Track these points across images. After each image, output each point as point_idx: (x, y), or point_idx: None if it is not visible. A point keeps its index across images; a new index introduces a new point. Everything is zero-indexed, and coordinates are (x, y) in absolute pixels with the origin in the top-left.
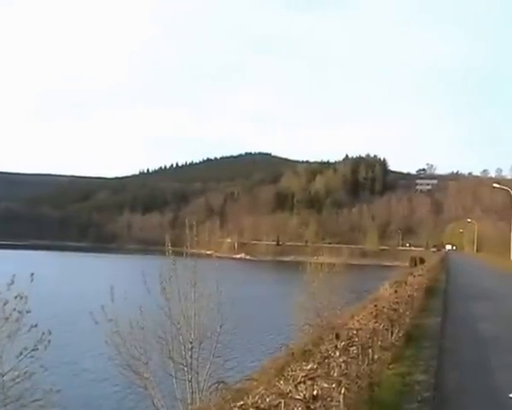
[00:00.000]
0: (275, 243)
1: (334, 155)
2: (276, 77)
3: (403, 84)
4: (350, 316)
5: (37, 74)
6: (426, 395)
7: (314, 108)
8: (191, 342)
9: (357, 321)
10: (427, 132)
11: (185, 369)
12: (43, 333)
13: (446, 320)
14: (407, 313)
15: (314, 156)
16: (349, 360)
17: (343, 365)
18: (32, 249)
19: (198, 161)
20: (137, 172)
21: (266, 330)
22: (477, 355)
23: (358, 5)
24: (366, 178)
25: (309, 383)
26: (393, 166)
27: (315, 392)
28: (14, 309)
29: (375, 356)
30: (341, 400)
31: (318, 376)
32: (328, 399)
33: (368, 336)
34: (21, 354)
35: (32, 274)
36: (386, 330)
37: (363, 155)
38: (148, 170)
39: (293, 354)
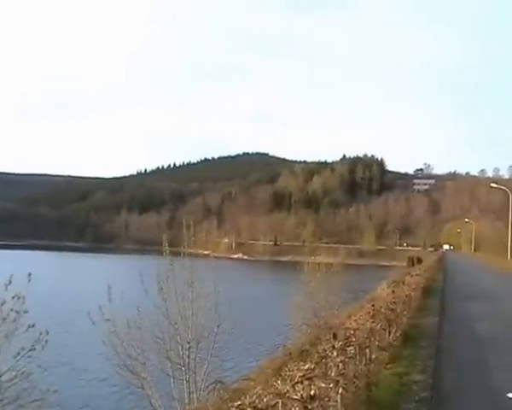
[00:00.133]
0: (272, 243)
1: (332, 155)
2: (273, 77)
3: (400, 84)
4: (347, 316)
5: (35, 74)
6: (423, 394)
7: (312, 108)
8: (189, 342)
9: (355, 321)
10: (424, 132)
11: (183, 369)
12: (41, 333)
13: (444, 320)
14: (404, 312)
15: (311, 156)
16: (346, 359)
17: (340, 365)
18: (30, 249)
19: (195, 161)
20: (135, 172)
21: (264, 330)
22: (475, 355)
23: (357, 5)
24: (363, 178)
25: (306, 383)
26: (391, 166)
27: (312, 392)
28: (12, 309)
29: (373, 356)
30: (339, 400)
31: (316, 376)
32: (326, 399)
33: (365, 335)
34: (19, 354)
35: (30, 274)
36: (384, 329)
37: (361, 154)
38: (145, 170)
39: (290, 353)
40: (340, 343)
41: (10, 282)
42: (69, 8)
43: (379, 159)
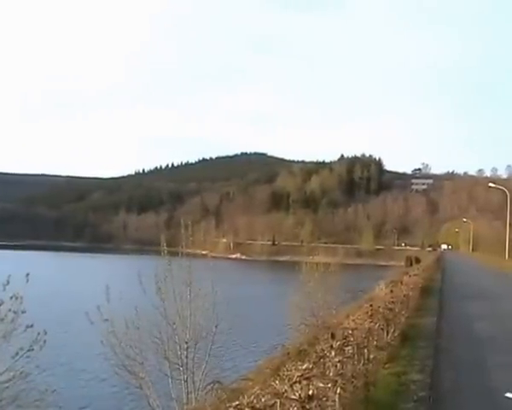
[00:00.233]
0: (270, 242)
1: (330, 155)
2: (272, 78)
3: (398, 84)
4: (345, 316)
5: (34, 74)
6: (421, 394)
7: (310, 108)
8: (187, 342)
9: (353, 321)
10: (422, 132)
11: (181, 369)
12: (39, 333)
13: (442, 320)
14: (403, 312)
15: (309, 156)
16: (344, 359)
17: (338, 364)
18: (28, 250)
19: (193, 161)
20: (133, 173)
21: (262, 330)
22: (473, 355)
23: (356, 5)
24: (362, 178)
25: (304, 382)
26: (389, 165)
27: (310, 392)
28: (10, 310)
29: (371, 356)
30: (337, 399)
31: (314, 376)
32: (324, 399)
33: (363, 335)
34: (17, 354)
35: (28, 274)
36: (382, 329)
37: (359, 154)
38: (143, 170)
39: (288, 353)
40: (338, 343)
41: (8, 282)
42: (69, 9)
43: (377, 159)
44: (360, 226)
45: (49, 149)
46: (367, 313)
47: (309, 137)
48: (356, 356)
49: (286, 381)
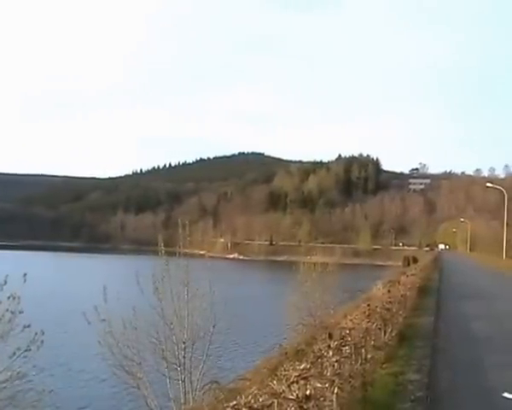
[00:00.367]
0: (268, 242)
1: (327, 155)
2: (269, 78)
3: (396, 84)
4: (343, 315)
5: (31, 74)
6: (419, 394)
7: (307, 108)
8: (184, 342)
9: (350, 320)
10: (419, 132)
11: (178, 369)
12: (36, 333)
13: (439, 320)
14: (400, 312)
15: (307, 156)
16: (342, 359)
17: (336, 364)
18: (25, 250)
19: (191, 161)
20: (130, 173)
21: (260, 330)
22: (470, 355)
23: (354, 5)
24: (359, 178)
25: (302, 382)
26: (386, 165)
27: (308, 392)
28: (7, 310)
29: (368, 356)
30: (334, 399)
31: (311, 375)
32: (321, 398)
33: (361, 335)
34: (14, 354)
35: (25, 275)
36: (379, 329)
37: (356, 154)
38: (141, 170)
39: (286, 353)
40: (336, 343)
41: (6, 282)
42: (69, 9)
43: (374, 158)
44: (357, 226)
45: (46, 149)
46: (364, 312)
47: (306, 137)
48: (353, 356)
49: (283, 381)
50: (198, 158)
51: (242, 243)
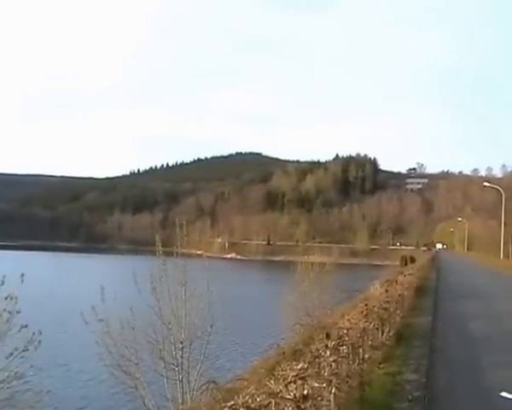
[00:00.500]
0: (265, 242)
1: (325, 155)
2: (267, 77)
3: (393, 84)
4: (340, 315)
5: (28, 74)
6: (416, 394)
7: (305, 108)
8: (182, 342)
9: (348, 320)
10: (417, 132)
11: (176, 369)
12: (34, 333)
13: (437, 319)
14: (397, 312)
15: (304, 156)
16: (339, 359)
17: (333, 364)
18: (24, 250)
19: (188, 161)
20: (128, 173)
21: (257, 330)
22: (467, 354)
23: (352, 6)
24: (356, 178)
25: (299, 382)
26: (384, 165)
27: (305, 392)
28: (5, 310)
29: (366, 355)
30: (332, 399)
31: (309, 375)
32: (319, 398)
33: (358, 335)
34: (12, 354)
35: (23, 275)
36: (377, 329)
37: (354, 154)
38: (138, 170)
39: (283, 353)
40: (333, 343)
41: (3, 282)
42: (68, 8)
43: (372, 158)
44: (355, 226)
45: (44, 150)
46: (362, 312)
47: (304, 137)
48: (351, 356)
49: (281, 381)
50: (195, 158)
51: (240, 243)
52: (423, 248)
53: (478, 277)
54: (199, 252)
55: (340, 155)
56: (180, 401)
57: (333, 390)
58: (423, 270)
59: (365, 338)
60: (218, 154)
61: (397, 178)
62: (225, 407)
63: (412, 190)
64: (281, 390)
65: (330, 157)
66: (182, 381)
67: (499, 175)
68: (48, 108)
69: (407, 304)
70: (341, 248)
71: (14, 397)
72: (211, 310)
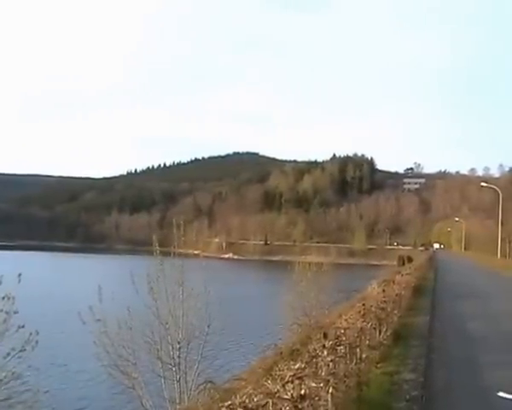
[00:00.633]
0: (263, 242)
1: (322, 155)
2: (263, 77)
3: (390, 83)
4: (338, 315)
5: (26, 74)
6: (414, 393)
7: (302, 107)
8: (179, 342)
9: (345, 320)
10: (414, 132)
11: (173, 369)
12: (31, 334)
13: (434, 319)
14: (395, 311)
15: (302, 156)
16: (337, 359)
17: (331, 364)
18: (21, 250)
19: (186, 161)
20: (125, 173)
21: (255, 330)
22: (465, 354)
23: (350, 6)
24: (354, 178)
25: (297, 382)
26: (381, 165)
27: (303, 391)
28: (2, 310)
29: (363, 355)
30: (329, 399)
31: (306, 375)
32: (316, 398)
33: (356, 335)
34: (9, 354)
35: (20, 275)
36: (374, 329)
37: (351, 154)
38: (135, 170)
39: (281, 353)
40: (331, 343)
41: (0, 282)
42: (69, 9)
43: (369, 158)
44: (352, 226)
45: (41, 150)
46: (359, 312)
47: (301, 137)
48: (348, 356)
49: (278, 381)
50: (193, 158)
51: (237, 243)
52: (421, 248)
53: (475, 276)
54: (196, 252)
55: (338, 155)
56: (177, 400)
57: (330, 390)
58: (421, 270)
59: (363, 338)
60: (216, 154)
61: (394, 178)
62: (223, 406)
63: (409, 189)
64: (278, 390)
65: (327, 157)
66: (179, 381)
67: (496, 175)
68: (47, 108)
69: (404, 304)
70: (339, 248)
71: (11, 397)
72: (208, 310)
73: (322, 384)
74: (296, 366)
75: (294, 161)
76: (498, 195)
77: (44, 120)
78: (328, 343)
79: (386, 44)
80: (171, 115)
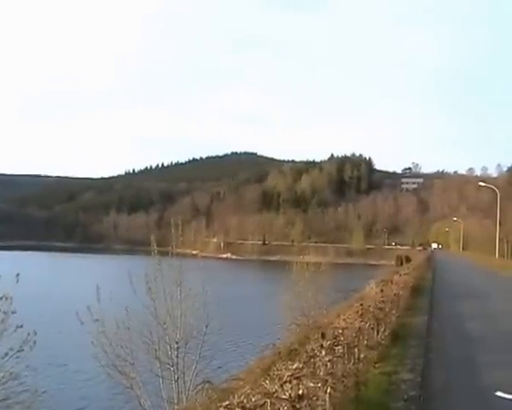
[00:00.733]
0: (261, 242)
1: (320, 155)
2: (261, 77)
3: (388, 83)
4: (336, 315)
5: (24, 74)
6: (412, 393)
7: (300, 107)
8: (177, 342)
9: (343, 320)
10: (412, 131)
11: (171, 369)
12: (29, 334)
13: (432, 319)
14: (393, 311)
15: (300, 156)
16: (335, 359)
17: (329, 364)
18: (20, 250)
19: (184, 161)
20: (123, 173)
21: (253, 330)
22: (463, 354)
23: (348, 6)
24: (352, 178)
25: (295, 382)
26: (379, 165)
27: (300, 391)
28: (0, 310)
29: (361, 355)
30: (327, 399)
31: (304, 375)
32: (314, 398)
33: (354, 335)
34: (7, 354)
35: (18, 275)
36: (372, 329)
37: (349, 154)
38: (133, 170)
39: (279, 353)
40: (329, 343)
41: None
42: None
43: (367, 158)
44: (350, 226)
45: (39, 150)
46: (357, 312)
47: (299, 137)
48: (346, 355)
49: (276, 381)
50: (191, 158)
51: (235, 243)
52: (419, 248)
53: (473, 276)
54: (194, 252)
55: (336, 155)
56: (175, 400)
57: (328, 390)
58: (419, 269)
59: (361, 338)
60: (214, 154)
61: (392, 178)
62: (220, 406)
63: (407, 189)
64: (276, 390)
65: (325, 157)
66: (177, 381)
67: (494, 175)
68: (47, 108)
69: (403, 304)
70: (337, 248)
71: (9, 398)
72: (206, 310)
73: (320, 384)
74: (294, 366)
75: (292, 161)
76: (496, 194)
77: (44, 120)
78: (326, 343)
79: (384, 44)
80: (170, 115)
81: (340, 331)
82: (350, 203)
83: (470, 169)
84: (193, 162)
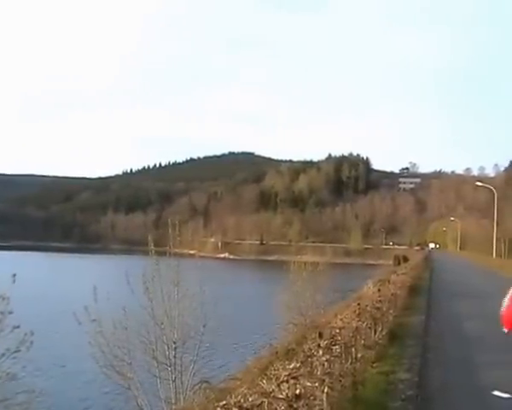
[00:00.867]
0: (258, 242)
1: (318, 155)
2: (258, 77)
3: (386, 83)
4: (333, 315)
5: (22, 74)
6: (409, 393)
7: (297, 107)
8: (175, 342)
9: (341, 320)
10: (410, 131)
11: (169, 369)
12: (26, 334)
13: (430, 318)
14: (390, 311)
15: (297, 155)
16: (332, 358)
17: (326, 363)
18: (17, 250)
19: (181, 161)
20: (121, 173)
21: (250, 330)
22: (461, 354)
23: (346, 6)
24: (349, 177)
25: (292, 382)
26: (376, 165)
27: (298, 391)
28: None
29: (359, 355)
30: (324, 398)
31: (301, 375)
32: (311, 398)
33: (351, 334)
34: (4, 355)
35: (15, 275)
36: (370, 328)
37: (347, 154)
38: (131, 170)
39: (276, 353)
40: (326, 342)
41: None
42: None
43: (365, 158)
44: (348, 226)
45: (36, 150)
46: (355, 312)
47: (297, 137)
48: (343, 355)
49: (273, 380)
50: (188, 158)
51: (233, 243)
52: (416, 248)
53: (471, 276)
54: (192, 252)
55: (333, 155)
56: (173, 400)
57: (325, 390)
58: (416, 269)
59: (358, 337)
60: (211, 153)
61: (390, 178)
62: (218, 406)
63: (405, 189)
64: (273, 390)
65: (323, 157)
66: (175, 381)
67: (492, 174)
68: (46, 108)
69: (400, 303)
70: (334, 248)
71: (6, 399)
72: (203, 310)
73: (317, 384)
74: (291, 366)
75: (290, 161)
76: (494, 194)
77: (43, 120)
78: (323, 343)
79: (383, 44)
80: (167, 115)
81: (338, 331)
82: (347, 203)
83: (468, 169)
84: (190, 162)
